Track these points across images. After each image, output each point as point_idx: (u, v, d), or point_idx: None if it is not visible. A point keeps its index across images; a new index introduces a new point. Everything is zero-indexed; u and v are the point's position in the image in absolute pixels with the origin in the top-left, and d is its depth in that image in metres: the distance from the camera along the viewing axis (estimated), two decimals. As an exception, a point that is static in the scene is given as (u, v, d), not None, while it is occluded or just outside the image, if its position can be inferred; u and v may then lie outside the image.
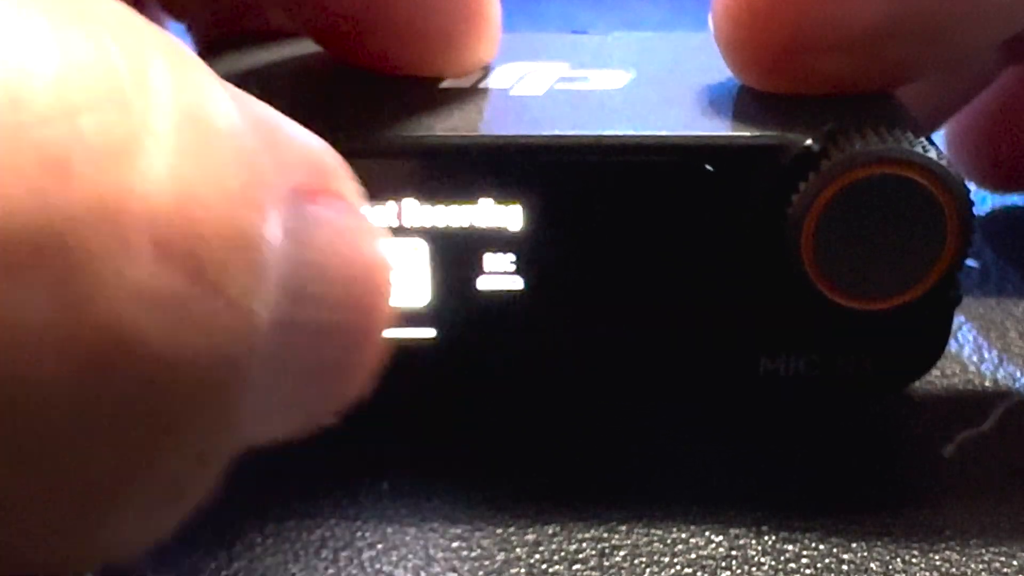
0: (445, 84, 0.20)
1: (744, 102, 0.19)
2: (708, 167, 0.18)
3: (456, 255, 0.18)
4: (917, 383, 0.20)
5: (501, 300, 0.18)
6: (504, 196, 0.18)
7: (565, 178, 0.18)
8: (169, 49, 0.11)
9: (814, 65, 0.18)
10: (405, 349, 0.19)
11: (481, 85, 0.20)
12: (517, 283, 0.18)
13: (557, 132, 0.18)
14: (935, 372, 0.21)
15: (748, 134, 0.18)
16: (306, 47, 0.21)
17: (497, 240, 0.18)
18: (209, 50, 0.22)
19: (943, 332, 0.19)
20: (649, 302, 0.19)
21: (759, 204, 0.18)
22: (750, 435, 0.20)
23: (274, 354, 0.11)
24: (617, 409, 0.21)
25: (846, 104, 0.18)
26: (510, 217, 0.18)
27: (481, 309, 0.18)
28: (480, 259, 0.18)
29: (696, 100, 0.19)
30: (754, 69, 0.19)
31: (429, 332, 0.19)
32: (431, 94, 0.19)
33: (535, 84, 0.20)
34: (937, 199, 0.17)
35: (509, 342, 0.19)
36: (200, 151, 0.10)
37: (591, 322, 0.19)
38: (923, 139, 0.17)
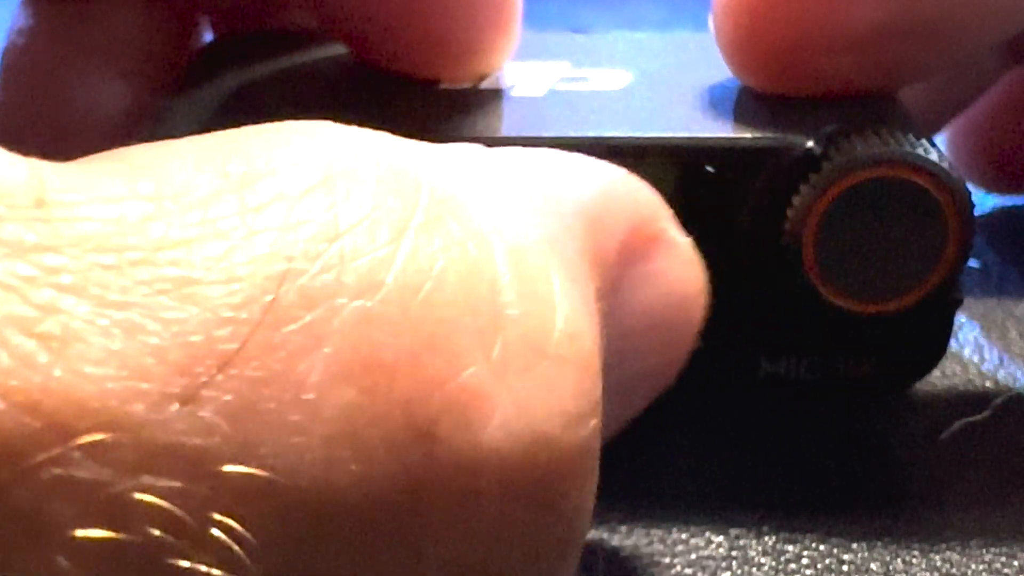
0: (444, 85, 0.20)
1: (744, 103, 0.19)
2: (708, 168, 0.18)
3: None
4: (918, 383, 0.20)
5: None
6: None
7: None
8: (511, 260, 0.11)
9: (815, 66, 0.18)
10: None
11: (481, 86, 0.20)
12: None
13: (557, 133, 0.18)
14: (936, 372, 0.21)
15: (749, 135, 0.18)
16: (303, 47, 0.21)
17: None
18: (219, 46, 0.22)
19: (944, 334, 0.19)
20: None
21: (760, 206, 0.18)
22: (750, 436, 0.20)
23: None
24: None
25: (847, 106, 0.18)
26: None
27: None
28: None
29: (696, 101, 0.19)
30: (754, 70, 0.19)
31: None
32: (430, 95, 0.19)
33: (535, 84, 0.20)
34: (938, 201, 0.17)
35: None
36: (544, 385, 0.10)
37: None
38: (924, 141, 0.17)
